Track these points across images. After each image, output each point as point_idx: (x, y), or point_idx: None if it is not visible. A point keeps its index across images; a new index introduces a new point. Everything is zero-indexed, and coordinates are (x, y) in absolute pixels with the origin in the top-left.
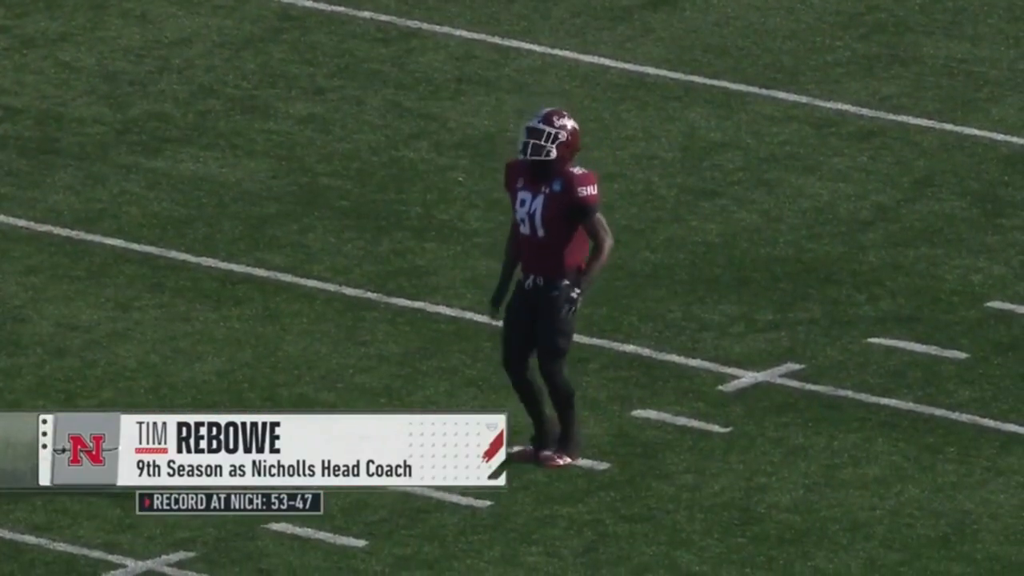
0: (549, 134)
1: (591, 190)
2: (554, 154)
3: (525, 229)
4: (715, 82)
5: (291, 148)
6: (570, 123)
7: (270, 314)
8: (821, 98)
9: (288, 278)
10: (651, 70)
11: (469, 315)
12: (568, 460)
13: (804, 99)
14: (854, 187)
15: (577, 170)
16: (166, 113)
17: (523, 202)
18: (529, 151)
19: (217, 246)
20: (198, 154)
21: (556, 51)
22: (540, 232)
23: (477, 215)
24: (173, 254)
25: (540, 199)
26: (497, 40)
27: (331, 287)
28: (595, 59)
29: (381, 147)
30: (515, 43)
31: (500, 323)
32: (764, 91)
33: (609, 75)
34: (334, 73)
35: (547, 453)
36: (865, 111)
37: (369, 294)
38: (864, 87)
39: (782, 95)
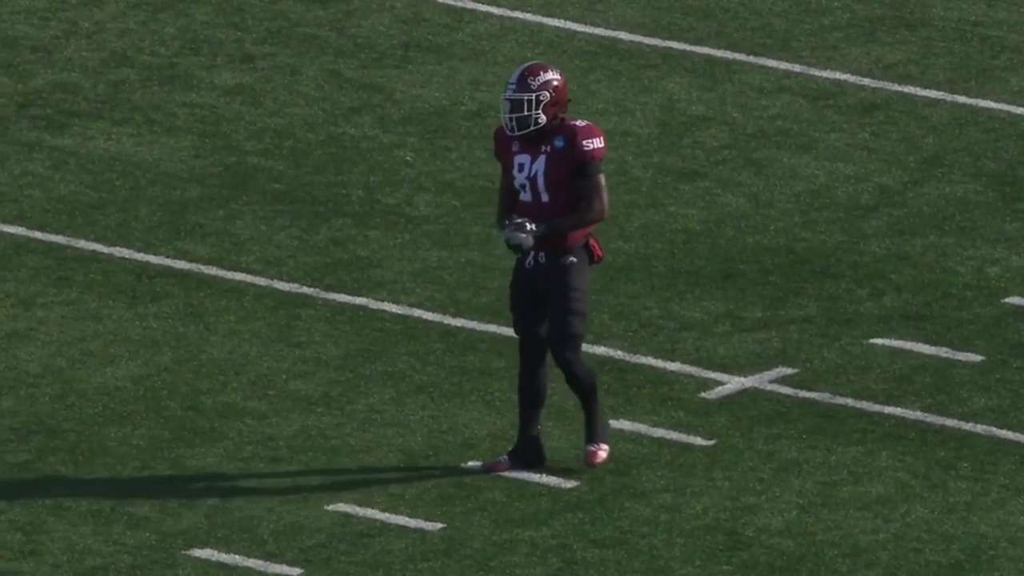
0: (530, 101)
1: (597, 143)
2: (543, 119)
3: (527, 196)
4: (697, 48)
5: (216, 123)
6: (552, 76)
7: (192, 312)
8: (817, 67)
9: (213, 271)
10: (624, 35)
11: (418, 312)
12: (605, 449)
13: (798, 68)
14: (854, 167)
15: (580, 122)
16: (74, 84)
17: (522, 166)
18: (515, 127)
19: (132, 235)
20: (110, 130)
21: (516, 14)
22: (544, 197)
23: (427, 199)
24: (82, 244)
25: (542, 160)
26: (450, 1)
27: (261, 281)
28: (561, 23)
29: (318, 122)
30: (470, 4)
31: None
32: (752, 59)
33: (577, 41)
34: (264, 38)
35: (589, 448)
36: (867, 81)
37: (305, 289)
38: (865, 54)
39: (773, 63)
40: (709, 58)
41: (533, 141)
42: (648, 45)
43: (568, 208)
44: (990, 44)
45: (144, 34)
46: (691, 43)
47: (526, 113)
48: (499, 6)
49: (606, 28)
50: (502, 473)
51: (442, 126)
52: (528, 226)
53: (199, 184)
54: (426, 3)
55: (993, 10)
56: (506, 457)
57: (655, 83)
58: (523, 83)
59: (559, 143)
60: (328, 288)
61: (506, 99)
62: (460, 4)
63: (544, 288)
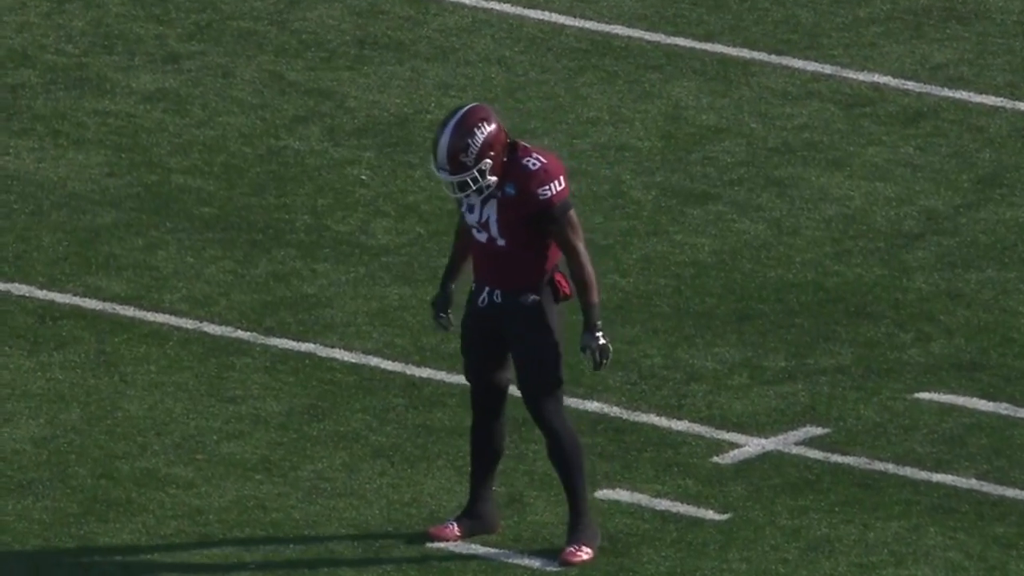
0: (475, 178)
1: (555, 187)
2: (493, 180)
3: (481, 236)
4: (708, 46)
5: (134, 135)
6: (484, 133)
7: (106, 360)
8: (852, 68)
9: (130, 311)
10: (621, 30)
11: (375, 361)
12: (588, 553)
13: (828, 69)
14: (896, 188)
15: (532, 163)
16: None
17: (472, 208)
18: (458, 192)
19: (33, 268)
20: (7, 143)
21: (492, 5)
22: (500, 241)
23: (386, 226)
24: None
25: (493, 204)
26: None
27: (188, 323)
28: (545, 15)
29: (256, 134)
30: None
31: (446, 329)
32: (774, 58)
33: (565, 36)
34: (192, 34)
35: (568, 549)
36: (911, 85)
37: (240, 333)
38: (909, 53)
39: (799, 64)
40: (723, 58)
41: None
42: (650, 42)
43: (525, 250)
44: None
45: (48, 29)
46: (701, 40)
47: (475, 188)
48: None
49: (599, 21)
50: (461, 550)
51: (403, 138)
52: (598, 341)
53: (114, 208)
54: None
55: None
56: (454, 523)
57: (658, 87)
58: (457, 163)
59: (510, 190)
60: (268, 332)
61: (444, 182)
62: None
63: (502, 332)
